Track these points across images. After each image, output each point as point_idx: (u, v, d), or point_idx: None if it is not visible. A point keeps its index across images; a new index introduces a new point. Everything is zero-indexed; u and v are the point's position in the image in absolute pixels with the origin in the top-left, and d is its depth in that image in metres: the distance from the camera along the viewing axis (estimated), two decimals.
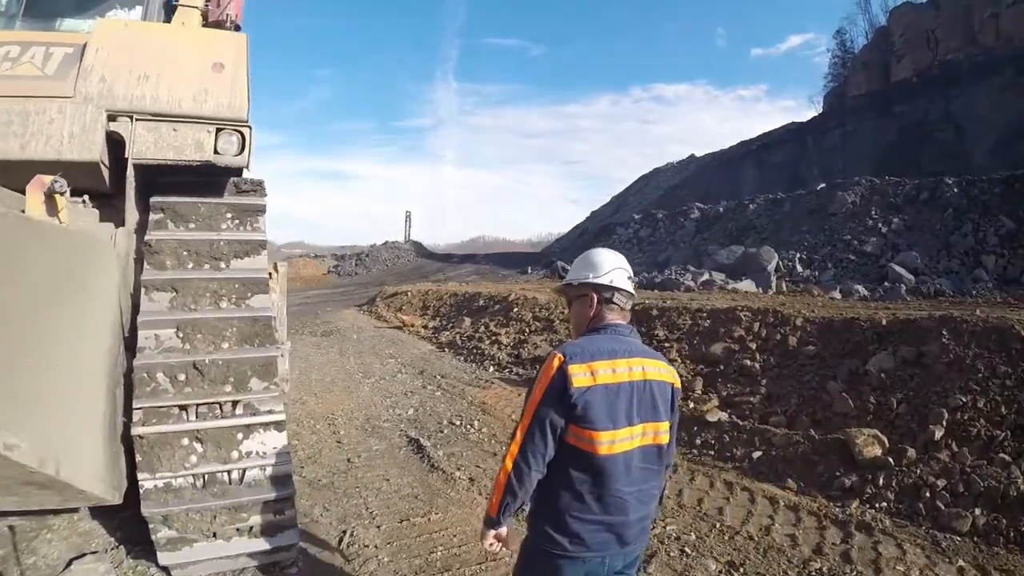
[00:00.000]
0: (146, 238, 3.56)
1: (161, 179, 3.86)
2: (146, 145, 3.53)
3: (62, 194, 2.82)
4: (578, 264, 1.97)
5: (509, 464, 1.68)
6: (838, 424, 4.97)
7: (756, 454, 4.92)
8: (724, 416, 5.62)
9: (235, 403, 3.26)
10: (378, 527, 4.09)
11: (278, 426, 3.24)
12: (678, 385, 1.88)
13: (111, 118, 3.47)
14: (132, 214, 3.69)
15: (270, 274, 8.95)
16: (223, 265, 3.64)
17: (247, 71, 3.94)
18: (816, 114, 49.19)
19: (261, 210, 3.91)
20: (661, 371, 1.80)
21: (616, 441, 1.66)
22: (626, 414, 1.68)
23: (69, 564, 3.13)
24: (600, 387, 1.65)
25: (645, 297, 10.36)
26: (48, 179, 2.81)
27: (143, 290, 3.44)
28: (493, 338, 10.63)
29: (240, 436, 3.18)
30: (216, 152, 3.68)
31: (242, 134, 3.76)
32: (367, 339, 13.00)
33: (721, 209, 24.44)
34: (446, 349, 11.18)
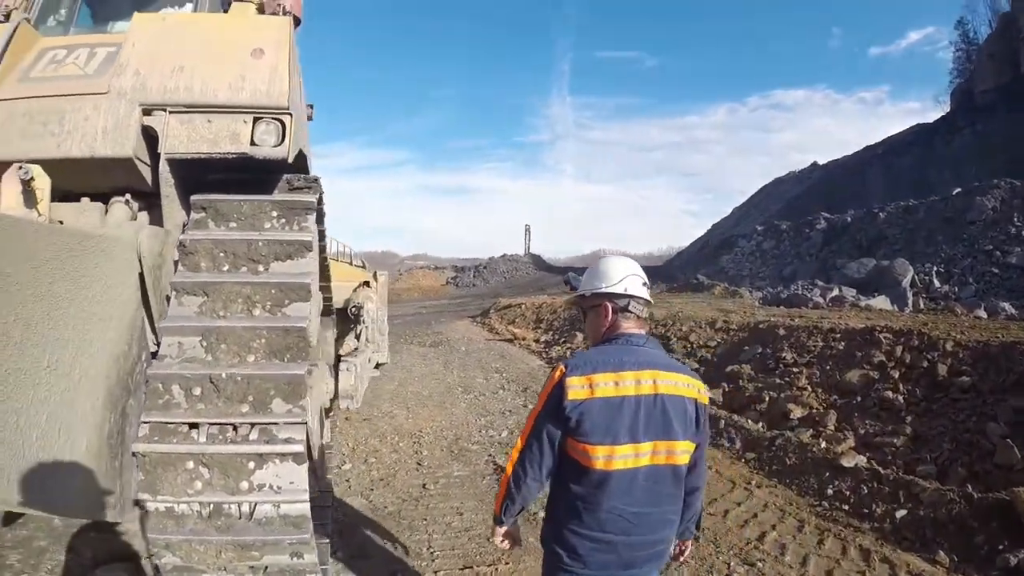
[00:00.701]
0: (180, 237, 3.32)
1: (209, 176, 3.66)
2: (179, 139, 3.32)
3: (29, 181, 2.57)
4: (590, 274, 1.90)
5: (510, 469, 1.73)
6: (1001, 480, 4.18)
7: (900, 513, 4.06)
8: (862, 461, 4.73)
9: (252, 426, 2.81)
10: (435, 573, 3.44)
11: (296, 458, 2.73)
12: (703, 401, 1.78)
13: (146, 112, 3.33)
14: (172, 214, 3.50)
15: (367, 283, 9.09)
16: (261, 268, 3.29)
17: (289, 56, 3.61)
18: (943, 114, 47.22)
19: (310, 208, 3.52)
20: (678, 384, 1.69)
21: (615, 457, 1.60)
22: (629, 430, 1.61)
23: (95, 568, 2.91)
24: (598, 400, 1.60)
25: (771, 314, 9.73)
26: (23, 169, 2.58)
27: (173, 293, 3.18)
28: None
29: (252, 465, 2.71)
30: (253, 143, 3.34)
31: (282, 123, 3.42)
32: (475, 351, 12.79)
33: (849, 219, 23.43)
34: (556, 362, 10.56)
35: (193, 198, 3.51)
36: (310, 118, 8.77)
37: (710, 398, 6.81)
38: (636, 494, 1.64)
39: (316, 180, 3.73)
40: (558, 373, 1.68)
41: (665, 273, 32.59)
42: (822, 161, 56.03)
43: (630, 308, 1.79)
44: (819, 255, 22.08)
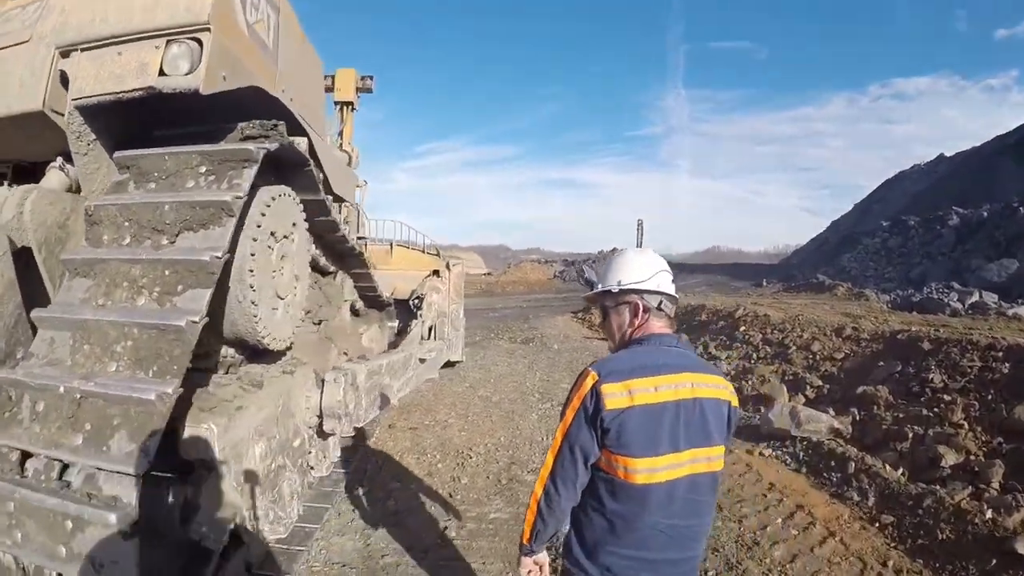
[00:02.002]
0: (85, 204, 2.60)
1: (156, 132, 2.96)
2: (87, 80, 2.68)
3: None
4: (615, 267, 1.75)
5: (539, 490, 1.62)
6: None
7: None
8: None
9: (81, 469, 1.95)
10: None
11: (125, 534, 1.81)
12: (735, 403, 1.70)
13: (64, 55, 2.72)
14: (92, 177, 2.81)
15: (437, 272, 8.28)
16: (165, 241, 2.48)
17: None
18: None
19: (248, 159, 2.64)
20: (715, 387, 1.62)
21: (657, 469, 1.50)
22: (670, 439, 1.51)
23: None
24: (638, 409, 1.49)
25: (906, 321, 8.49)
26: None
27: (65, 274, 2.47)
28: (710, 363, 8.22)
29: (70, 526, 1.84)
30: (162, 73, 2.51)
31: (199, 42, 2.53)
32: (567, 351, 11.59)
33: (985, 214, 21.43)
34: None
35: (115, 155, 2.82)
36: (369, 89, 8.25)
37: (841, 430, 5.45)
38: (676, 507, 1.54)
39: (275, 126, 2.82)
40: (589, 380, 1.53)
41: (781, 272, 31.19)
42: (949, 153, 52.53)
43: (662, 307, 1.69)
44: (951, 255, 20.72)
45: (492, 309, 20.56)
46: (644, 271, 1.70)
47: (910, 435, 5.15)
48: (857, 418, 5.87)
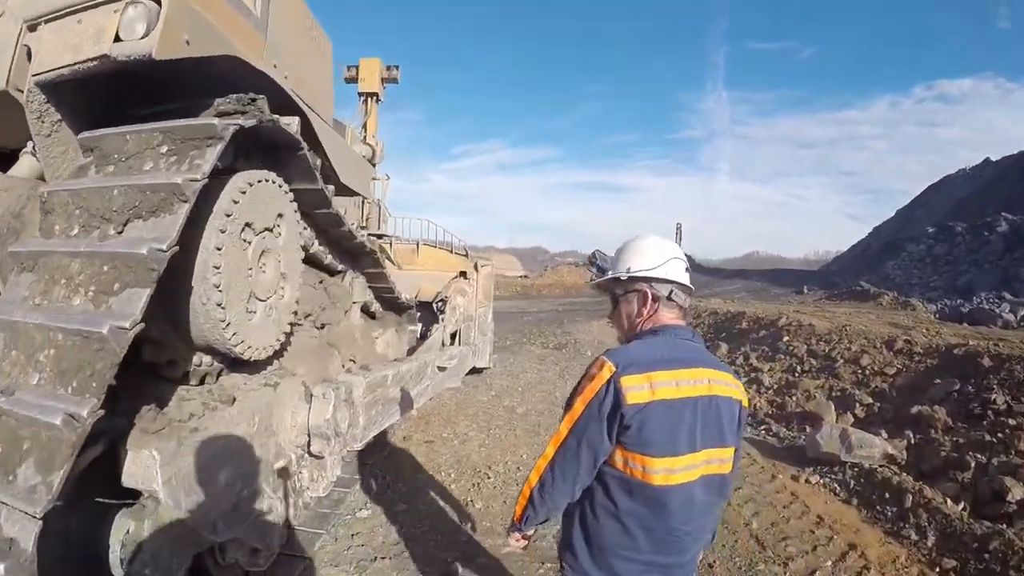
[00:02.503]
0: (39, 191, 2.31)
1: (131, 111, 2.68)
2: (48, 53, 2.43)
3: None
4: (626, 253, 1.69)
5: (534, 478, 1.56)
6: None
7: None
8: None
9: None
10: None
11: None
12: (746, 403, 1.65)
13: (31, 28, 2.47)
14: (53, 161, 2.54)
15: (464, 273, 7.89)
16: (112, 231, 2.15)
17: None
18: None
19: (212, 136, 2.30)
20: (729, 385, 1.57)
21: (675, 470, 1.45)
22: (688, 438, 1.46)
23: None
24: (659, 404, 1.42)
25: (961, 334, 8.14)
26: None
27: (13, 269, 2.19)
28: (752, 375, 8.44)
29: None
30: (118, 39, 2.20)
31: (158, 2, 2.21)
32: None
33: None
34: None
35: (80, 137, 2.54)
36: (395, 80, 7.95)
37: (895, 456, 5.06)
38: (695, 509, 1.50)
39: (253, 101, 2.47)
40: (606, 371, 1.44)
41: (823, 279, 31.50)
42: (995, 157, 52.52)
43: (673, 296, 1.62)
44: (999, 263, 20.53)
45: (526, 312, 20.23)
46: (655, 258, 1.63)
47: (972, 464, 4.75)
48: (912, 442, 5.41)
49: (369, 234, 7.18)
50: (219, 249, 2.42)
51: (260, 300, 2.80)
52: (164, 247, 2.04)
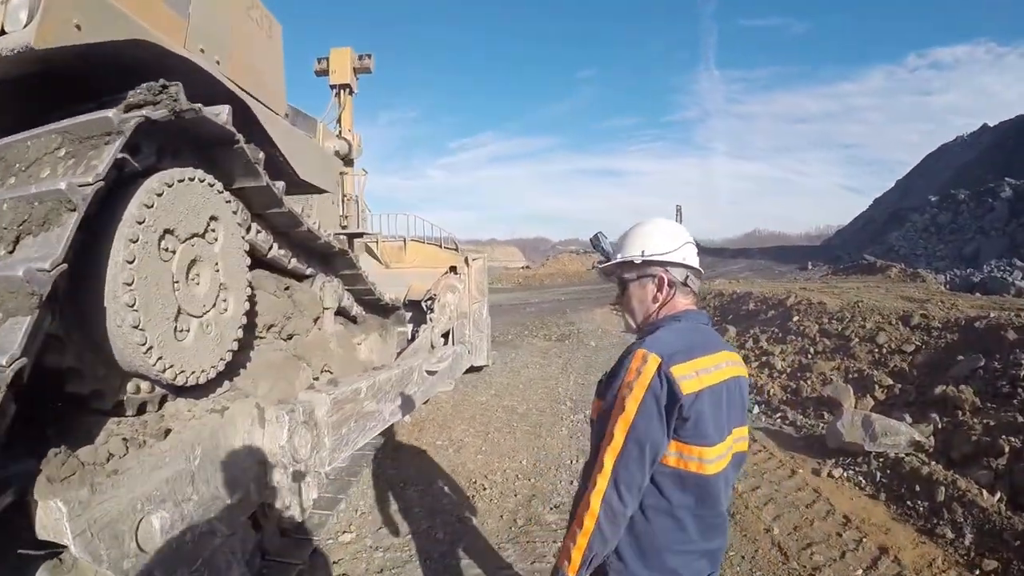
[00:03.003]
0: None
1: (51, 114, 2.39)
2: None
3: None
4: (638, 236, 1.63)
5: (596, 504, 1.36)
6: None
7: None
8: None
9: None
10: None
11: None
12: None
13: None
14: None
15: (454, 268, 7.57)
16: (2, 251, 1.84)
17: None
18: None
19: (109, 133, 1.97)
20: (740, 364, 1.58)
21: (723, 455, 1.45)
22: (727, 422, 1.48)
23: None
24: (707, 391, 1.40)
25: (978, 305, 7.87)
26: None
27: None
28: (763, 359, 8.09)
29: None
30: (3, 32, 1.91)
31: None
32: (606, 347, 10.81)
33: None
34: None
35: None
36: (368, 69, 7.59)
37: (923, 443, 4.73)
38: (728, 490, 1.52)
39: (164, 89, 2.16)
40: (652, 363, 1.37)
41: (826, 253, 31.68)
42: (992, 123, 53.05)
43: (689, 282, 1.60)
44: (1006, 229, 20.32)
45: (528, 303, 20.03)
46: (671, 241, 1.58)
47: (1006, 448, 4.31)
48: (939, 426, 5.01)
49: (348, 233, 6.88)
50: (130, 262, 2.12)
51: (193, 317, 2.50)
52: (47, 266, 1.73)
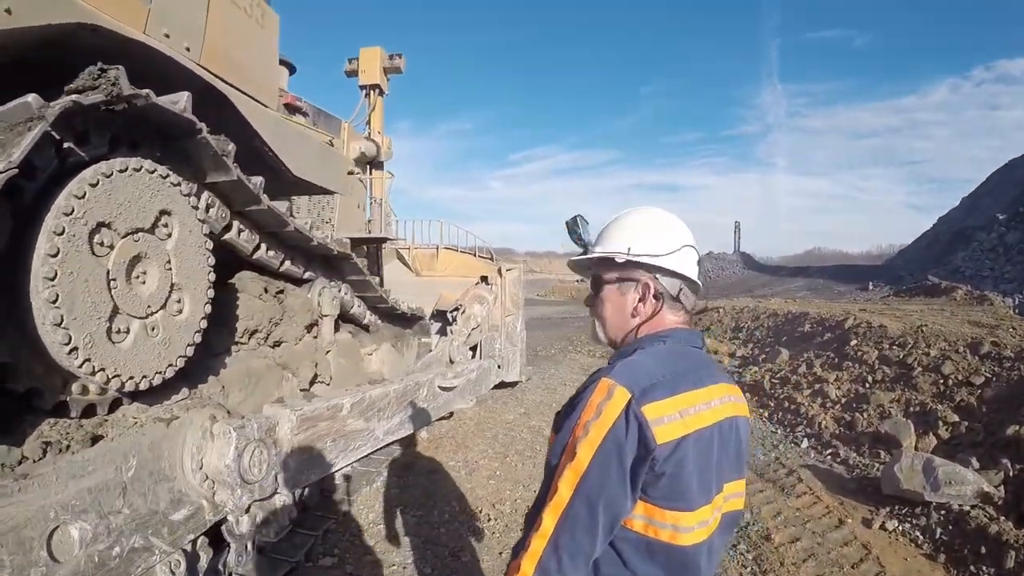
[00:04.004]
0: None
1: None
2: None
3: None
4: (625, 229, 1.36)
5: (529, 570, 1.10)
6: None
7: None
8: None
9: None
10: None
11: None
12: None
13: None
14: None
15: (484, 278, 7.43)
16: None
17: None
18: None
19: (30, 119, 1.97)
20: (740, 400, 1.31)
21: (707, 522, 1.18)
22: (716, 477, 1.20)
23: None
24: (693, 438, 1.13)
25: None
26: None
27: None
28: (816, 386, 7.62)
29: None
30: None
31: None
32: None
33: None
34: (747, 394, 8.44)
35: None
36: (398, 69, 7.60)
37: (992, 495, 4.17)
38: (713, 558, 1.24)
39: (103, 72, 2.13)
40: (618, 399, 1.10)
41: (888, 274, 30.87)
42: None
43: (681, 296, 1.33)
44: None
45: (577, 317, 19.78)
46: (665, 242, 1.31)
47: None
48: (1011, 474, 4.46)
49: (372, 237, 6.88)
50: (53, 256, 2.08)
51: (135, 318, 2.45)
52: None
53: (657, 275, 1.30)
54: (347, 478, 4.43)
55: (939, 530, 3.87)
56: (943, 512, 4.01)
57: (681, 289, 1.32)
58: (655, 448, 1.07)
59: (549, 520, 1.11)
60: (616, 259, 1.31)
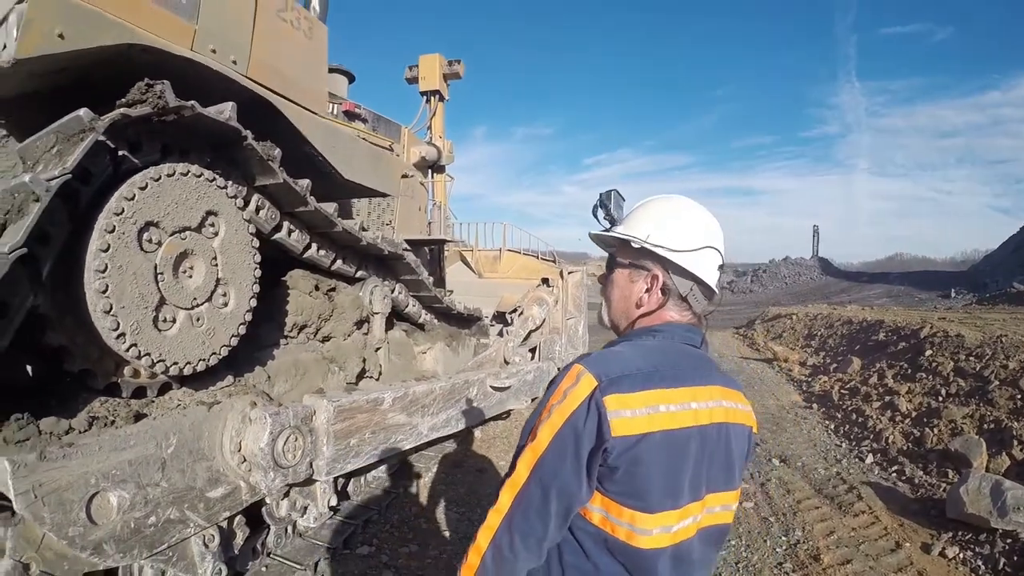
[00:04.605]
0: None
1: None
2: None
3: None
4: (648, 215, 1.31)
5: (484, 542, 1.13)
6: None
7: None
8: None
9: None
10: None
11: None
12: (756, 429, 1.33)
13: None
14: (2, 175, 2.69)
15: (545, 281, 7.43)
16: None
17: None
18: None
19: (83, 131, 2.26)
20: (742, 407, 1.25)
21: (671, 528, 1.13)
22: (692, 483, 1.15)
23: None
24: (659, 437, 1.09)
25: None
26: None
27: None
28: (886, 398, 7.26)
29: None
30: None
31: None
32: None
33: None
34: (815, 405, 8.18)
35: (16, 149, 2.67)
36: (457, 75, 7.77)
37: None
38: (683, 572, 1.18)
39: (149, 87, 2.39)
40: (584, 386, 1.09)
41: (971, 281, 30.45)
42: None
43: (690, 298, 1.27)
44: None
45: None
46: (688, 237, 1.25)
47: None
48: None
49: (432, 239, 7.09)
50: (104, 251, 2.33)
51: (181, 308, 2.68)
52: (6, 250, 1.97)
53: (671, 270, 1.25)
54: (393, 470, 4.58)
55: (1003, 560, 3.44)
56: (1009, 540, 3.58)
57: (692, 290, 1.26)
58: (608, 439, 1.05)
59: (506, 498, 1.13)
60: (632, 243, 1.28)
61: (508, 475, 1.15)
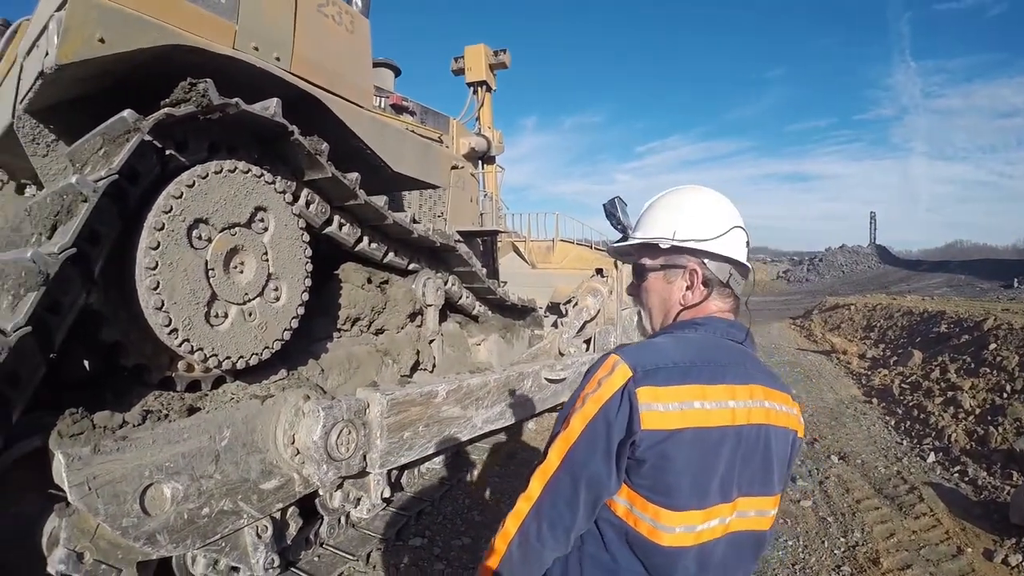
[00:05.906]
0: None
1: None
2: (25, 81, 2.76)
3: None
4: (667, 211, 1.28)
5: (512, 527, 1.13)
6: None
7: None
8: None
9: None
10: None
11: None
12: (802, 433, 1.25)
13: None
14: (52, 179, 2.81)
15: (599, 271, 7.20)
16: (35, 239, 2.23)
17: None
18: None
19: (128, 132, 2.27)
20: (787, 410, 1.19)
21: (695, 528, 1.09)
22: (722, 483, 1.10)
23: None
24: (690, 434, 1.06)
25: None
26: None
27: None
28: (948, 394, 6.91)
29: None
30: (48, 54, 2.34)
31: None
32: (774, 366, 9.57)
33: None
34: (875, 399, 7.74)
35: (66, 152, 2.76)
36: (504, 65, 7.56)
37: None
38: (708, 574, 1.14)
39: (192, 87, 2.38)
40: (618, 376, 1.07)
41: None
42: None
43: (731, 282, 1.24)
44: None
45: None
46: (714, 224, 1.23)
47: None
48: None
49: (484, 230, 6.98)
50: (154, 248, 2.34)
51: (233, 303, 2.68)
52: (56, 250, 1.99)
53: (705, 260, 1.23)
54: (447, 463, 4.53)
55: None
56: None
57: (731, 274, 1.24)
58: (637, 432, 1.03)
59: (536, 485, 1.12)
60: (660, 245, 1.24)
61: (539, 462, 1.14)
